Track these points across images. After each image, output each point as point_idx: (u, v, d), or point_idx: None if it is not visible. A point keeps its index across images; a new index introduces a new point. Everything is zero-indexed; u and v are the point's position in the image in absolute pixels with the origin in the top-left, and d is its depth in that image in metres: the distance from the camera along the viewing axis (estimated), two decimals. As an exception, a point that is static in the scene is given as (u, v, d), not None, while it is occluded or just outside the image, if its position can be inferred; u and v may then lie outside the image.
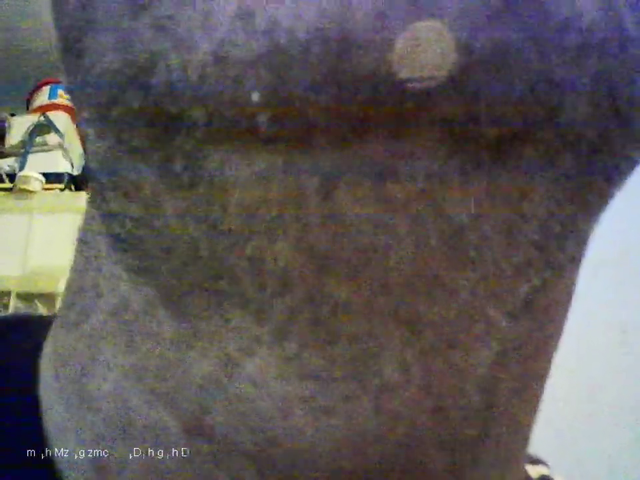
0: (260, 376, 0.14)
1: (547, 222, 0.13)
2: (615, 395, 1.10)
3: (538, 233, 0.13)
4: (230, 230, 0.13)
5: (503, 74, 0.11)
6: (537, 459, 0.25)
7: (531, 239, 0.13)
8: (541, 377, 0.17)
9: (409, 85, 0.11)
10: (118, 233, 0.15)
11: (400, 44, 0.11)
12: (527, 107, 0.11)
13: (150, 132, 0.12)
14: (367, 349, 0.13)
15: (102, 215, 0.16)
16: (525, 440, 0.18)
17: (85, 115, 0.14)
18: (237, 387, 0.14)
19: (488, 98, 0.11)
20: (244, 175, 0.12)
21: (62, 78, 0.15)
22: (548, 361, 0.17)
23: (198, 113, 0.11)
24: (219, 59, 0.11)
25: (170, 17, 0.11)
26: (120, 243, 0.15)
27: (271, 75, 0.11)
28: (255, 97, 0.11)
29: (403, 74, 0.11)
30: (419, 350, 0.14)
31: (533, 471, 0.25)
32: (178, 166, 0.12)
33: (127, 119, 0.12)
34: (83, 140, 0.14)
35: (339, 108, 0.11)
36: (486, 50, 0.11)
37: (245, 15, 0.11)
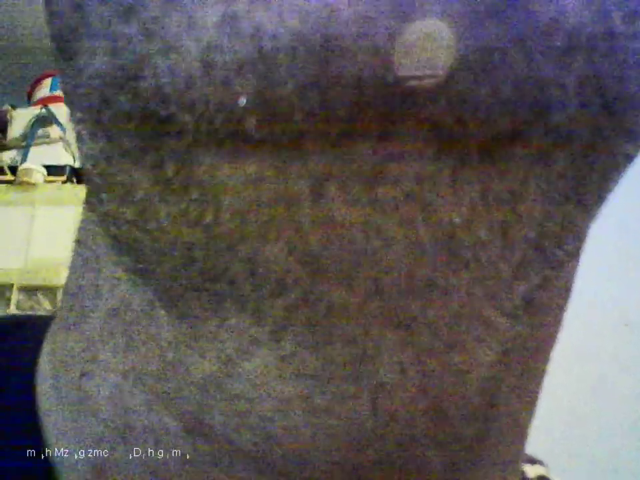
0: (258, 376, 0.14)
1: (544, 222, 0.13)
2: (617, 391, 1.10)
3: (535, 233, 0.13)
4: (223, 234, 0.13)
5: (489, 76, 0.11)
6: (535, 459, 0.26)
7: (528, 239, 0.13)
8: (540, 374, 0.17)
9: (408, 83, 0.11)
10: (115, 234, 0.15)
11: (398, 43, 0.11)
12: (514, 108, 0.11)
13: (141, 135, 0.12)
14: (363, 350, 0.13)
15: (99, 216, 0.16)
16: (523, 438, 0.18)
17: (78, 115, 0.14)
18: (236, 387, 0.14)
19: (475, 100, 0.11)
20: (235, 179, 0.12)
21: (58, 76, 0.15)
22: (546, 358, 0.17)
23: (187, 118, 0.11)
24: (206, 64, 0.11)
25: (156, 20, 0.11)
26: (117, 244, 0.15)
27: (257, 80, 0.11)
28: (242, 101, 0.11)
29: (401, 73, 0.11)
30: (415, 351, 0.14)
31: (531, 470, 0.25)
32: (169, 170, 0.12)
33: (118, 121, 0.12)
34: (77, 138, 0.14)
35: (326, 112, 0.11)
36: (471, 52, 0.11)
37: (230, 20, 0.11)
